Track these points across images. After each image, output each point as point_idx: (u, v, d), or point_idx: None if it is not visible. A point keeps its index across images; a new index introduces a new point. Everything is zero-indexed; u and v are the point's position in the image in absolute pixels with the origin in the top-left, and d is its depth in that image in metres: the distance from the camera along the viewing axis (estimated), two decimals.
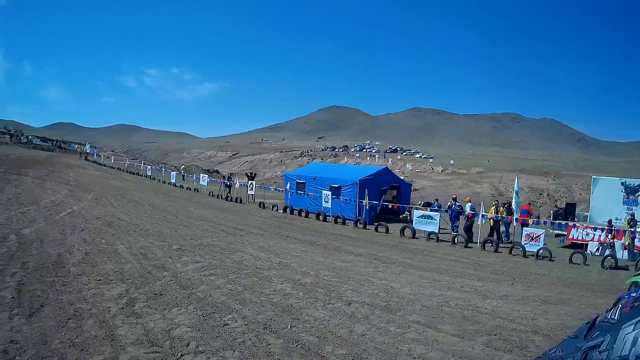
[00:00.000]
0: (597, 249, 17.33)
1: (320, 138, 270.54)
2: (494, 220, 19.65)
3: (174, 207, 23.55)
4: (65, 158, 51.78)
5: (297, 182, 27.95)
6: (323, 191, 24.85)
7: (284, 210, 26.53)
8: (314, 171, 29.66)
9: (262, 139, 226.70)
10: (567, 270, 14.73)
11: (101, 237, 13.23)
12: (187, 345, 6.06)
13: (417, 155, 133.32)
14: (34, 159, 44.91)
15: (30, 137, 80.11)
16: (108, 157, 60.43)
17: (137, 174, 46.89)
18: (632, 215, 18.04)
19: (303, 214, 25.26)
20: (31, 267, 9.28)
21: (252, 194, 30.55)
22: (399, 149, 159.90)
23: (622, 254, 16.98)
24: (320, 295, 8.81)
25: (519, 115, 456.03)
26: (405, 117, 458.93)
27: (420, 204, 25.34)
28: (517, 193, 23.15)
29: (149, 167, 49.22)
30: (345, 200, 24.43)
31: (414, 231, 19.87)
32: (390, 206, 24.50)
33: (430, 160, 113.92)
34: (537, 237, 17.35)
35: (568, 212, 23.76)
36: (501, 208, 20.13)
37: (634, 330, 1.68)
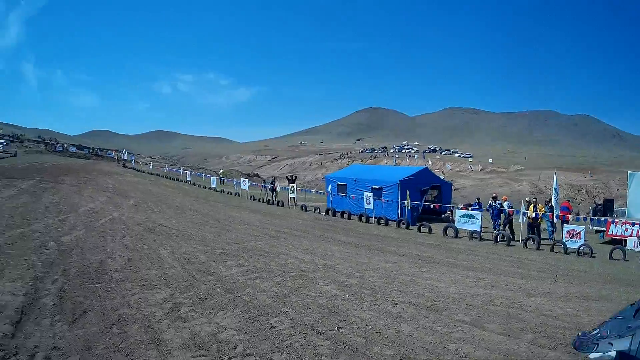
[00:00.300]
0: (635, 244, 17.04)
1: (358, 140, 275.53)
2: (533, 218, 19.59)
3: (215, 212, 23.90)
4: (102, 165, 53.22)
5: (338, 184, 28.49)
6: (364, 193, 25.40)
7: (326, 212, 26.84)
8: (355, 173, 30.09)
9: (300, 142, 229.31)
10: (608, 266, 14.92)
11: (143, 242, 13.45)
12: (235, 349, 6.11)
13: (456, 155, 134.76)
14: (71, 167, 46.23)
15: (65, 145, 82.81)
16: (146, 164, 61.67)
17: (177, 179, 47.70)
18: None
19: (345, 215, 25.63)
20: (72, 274, 9.45)
21: (294, 197, 31.02)
22: (437, 148, 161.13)
23: None
24: (366, 296, 8.88)
25: (554, 112, 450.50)
26: (441, 116, 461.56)
27: (460, 206, 25.28)
28: (556, 190, 23.65)
29: (188, 172, 49.96)
30: (387, 201, 24.66)
31: (456, 230, 20.04)
32: (431, 206, 24.62)
33: (469, 159, 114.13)
34: (577, 233, 17.45)
35: (606, 208, 24.11)
36: (540, 205, 20.17)
37: None
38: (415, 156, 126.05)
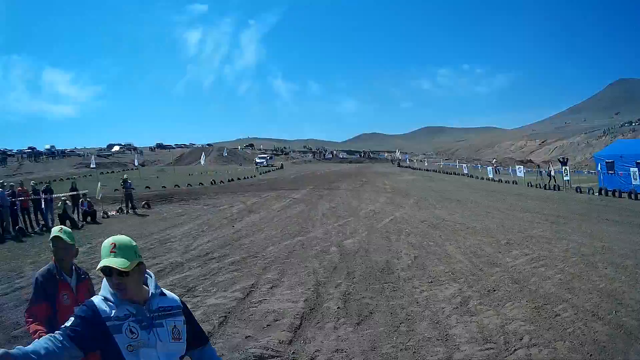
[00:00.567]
0: None
1: (616, 114, 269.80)
2: None
3: (495, 202, 24.01)
4: (376, 167, 56.19)
5: (605, 162, 29.24)
6: (630, 169, 25.64)
7: (599, 192, 27.42)
8: (620, 149, 30.65)
9: (565, 123, 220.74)
10: None
11: (428, 239, 13.79)
12: (521, 340, 6.17)
13: None
14: (344, 172, 49.63)
15: (334, 152, 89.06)
16: (421, 161, 63.30)
17: (454, 173, 48.07)
18: None
19: (617, 194, 26.00)
20: (357, 277, 9.78)
21: (568, 180, 32.04)
22: None
23: None
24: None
25: None
26: None
27: None
28: None
29: (464, 165, 50.26)
30: None
31: None
32: None
33: None
34: None
35: None
36: None
37: None
38: None
